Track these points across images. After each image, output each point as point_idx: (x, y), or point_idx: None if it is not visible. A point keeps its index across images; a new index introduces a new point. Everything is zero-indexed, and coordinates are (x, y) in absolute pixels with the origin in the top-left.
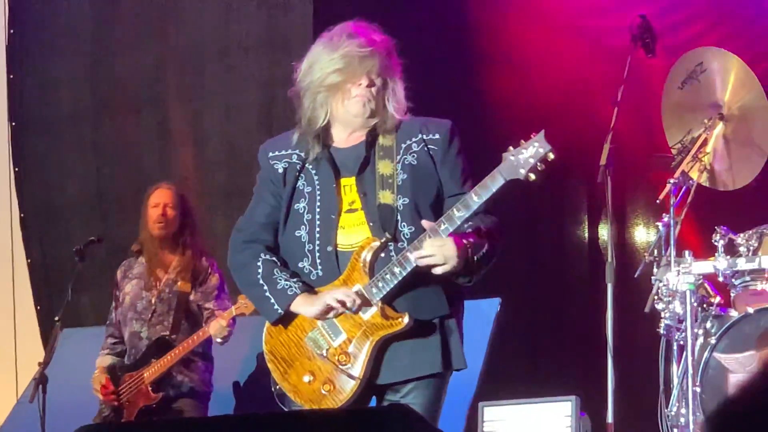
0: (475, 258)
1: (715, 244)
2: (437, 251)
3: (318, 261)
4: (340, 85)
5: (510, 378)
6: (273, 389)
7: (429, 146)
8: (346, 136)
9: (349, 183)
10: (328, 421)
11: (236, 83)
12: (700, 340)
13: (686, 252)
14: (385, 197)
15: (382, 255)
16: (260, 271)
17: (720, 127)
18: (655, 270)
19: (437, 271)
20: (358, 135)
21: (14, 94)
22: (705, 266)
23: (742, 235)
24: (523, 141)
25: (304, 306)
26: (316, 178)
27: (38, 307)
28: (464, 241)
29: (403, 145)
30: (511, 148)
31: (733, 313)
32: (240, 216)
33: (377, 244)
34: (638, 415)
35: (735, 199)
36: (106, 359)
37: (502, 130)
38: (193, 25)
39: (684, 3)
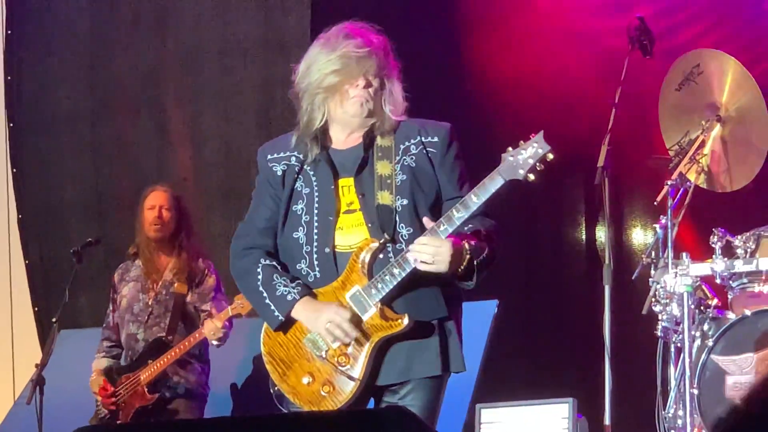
0: (476, 262)
1: (713, 246)
2: (430, 249)
3: (316, 262)
4: (338, 86)
5: (507, 380)
6: (271, 390)
7: (428, 149)
8: (344, 138)
9: (347, 184)
10: (326, 423)
11: (234, 84)
12: (698, 342)
13: (684, 254)
14: (384, 198)
15: (381, 256)
16: (260, 277)
17: (717, 129)
18: (652, 272)
19: (422, 267)
20: (356, 136)
21: (12, 95)
22: (702, 268)
23: (739, 237)
24: (522, 142)
25: (304, 313)
26: (314, 179)
27: (36, 308)
28: (465, 245)
29: (402, 147)
30: (510, 148)
31: (731, 316)
32: (238, 217)
33: (376, 245)
34: (636, 418)
35: (733, 201)
36: (102, 362)
37: (501, 131)
38: (192, 27)
39: (682, 5)
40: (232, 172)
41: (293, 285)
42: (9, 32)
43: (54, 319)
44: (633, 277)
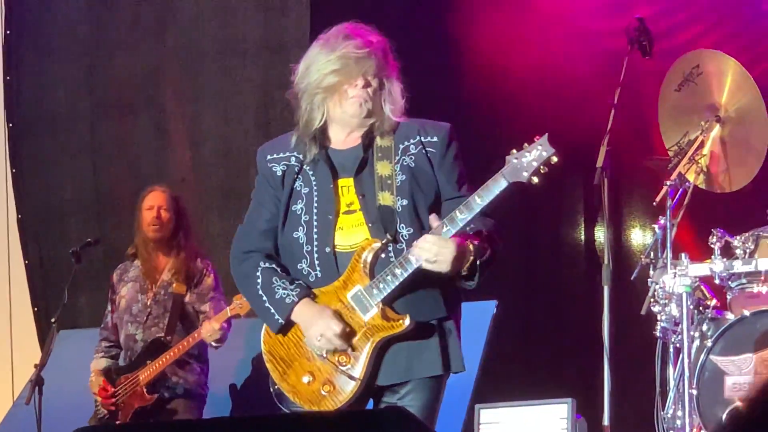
0: (478, 262)
1: (712, 246)
2: (433, 249)
3: (317, 262)
4: (337, 86)
5: (506, 380)
6: (271, 389)
7: (427, 149)
8: (343, 138)
9: (346, 184)
10: (325, 423)
11: (233, 85)
12: (697, 342)
13: (683, 254)
14: (385, 198)
15: (382, 256)
16: (259, 281)
17: (717, 130)
18: (651, 272)
19: (426, 266)
20: (356, 136)
21: (11, 95)
22: (701, 269)
23: (738, 237)
24: (526, 144)
25: (301, 318)
26: (313, 179)
27: (36, 309)
28: (469, 245)
29: (401, 147)
30: (514, 151)
31: (730, 316)
32: (237, 217)
33: (378, 245)
34: (635, 418)
35: (732, 201)
36: (100, 362)
37: (500, 132)
38: (191, 27)
39: (681, 6)
40: (231, 172)
41: (292, 287)
42: (8, 32)
43: (53, 320)
44: (632, 278)
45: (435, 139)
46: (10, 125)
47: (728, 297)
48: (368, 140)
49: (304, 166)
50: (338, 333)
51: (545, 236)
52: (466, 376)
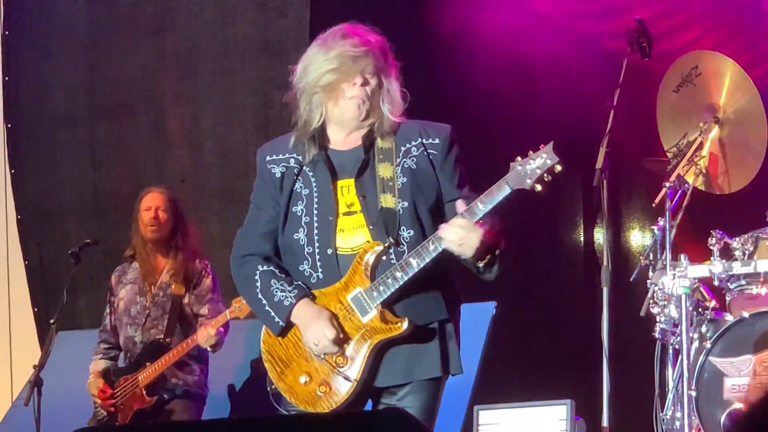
0: (497, 252)
1: (711, 247)
2: (461, 233)
3: (318, 264)
4: (335, 85)
5: (505, 381)
6: (269, 388)
7: (428, 150)
8: (342, 138)
9: (347, 185)
10: (324, 425)
11: (232, 86)
12: (696, 344)
13: (682, 256)
14: (387, 201)
15: (383, 258)
16: (258, 285)
17: (715, 131)
18: (650, 274)
19: (449, 247)
20: (355, 137)
21: (9, 96)
22: (700, 270)
23: (737, 238)
24: (531, 152)
25: (298, 320)
26: (313, 180)
27: (35, 309)
28: (493, 235)
29: (403, 149)
30: (518, 158)
31: (729, 317)
32: (236, 218)
33: (381, 248)
34: (633, 419)
35: (731, 202)
36: (99, 364)
37: (500, 133)
38: (189, 28)
39: (680, 7)
40: (230, 172)
41: (290, 288)
42: (6, 33)
43: (52, 321)
44: (631, 279)
45: (437, 140)
46: (9, 126)
47: (727, 298)
48: (369, 141)
49: (304, 167)
50: (332, 339)
51: (544, 237)
52: (465, 378)
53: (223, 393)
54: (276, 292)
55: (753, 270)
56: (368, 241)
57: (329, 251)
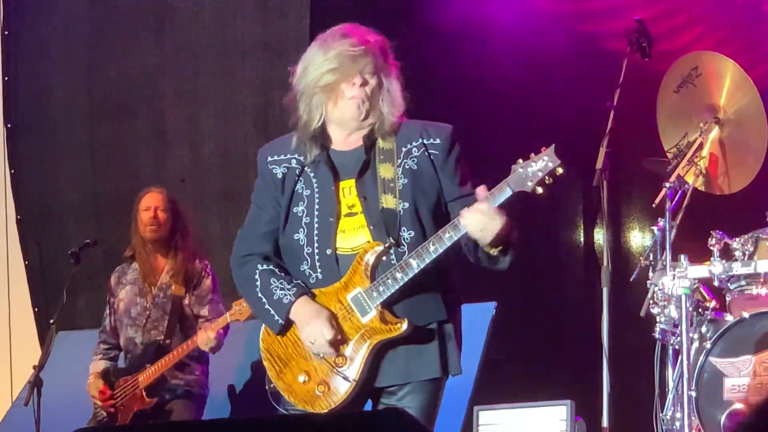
0: (510, 240)
1: (711, 248)
2: (483, 219)
3: (318, 264)
4: (335, 85)
5: (505, 382)
6: (267, 387)
7: (429, 151)
8: (343, 138)
9: (348, 186)
10: (325, 425)
11: (232, 86)
12: (696, 344)
13: (682, 256)
14: (388, 202)
15: (383, 259)
16: (258, 284)
17: (716, 132)
18: (650, 274)
19: (472, 233)
20: (357, 137)
21: (9, 96)
22: (700, 270)
23: (737, 239)
24: (533, 154)
25: (297, 318)
26: (314, 181)
27: (35, 309)
28: (508, 226)
29: (404, 149)
30: (520, 160)
31: (729, 318)
32: (235, 218)
33: (381, 248)
34: (634, 420)
35: (731, 203)
36: (99, 364)
37: (500, 133)
38: (189, 28)
39: (680, 8)
40: (230, 173)
41: (290, 287)
42: (6, 33)
43: (52, 321)
44: (631, 280)
45: (437, 141)
46: (9, 126)
47: (727, 299)
48: (370, 142)
49: (305, 168)
50: (329, 340)
51: (544, 238)
52: (465, 378)
53: (223, 394)
54: (275, 290)
55: (753, 270)
56: (368, 242)
57: (328, 251)
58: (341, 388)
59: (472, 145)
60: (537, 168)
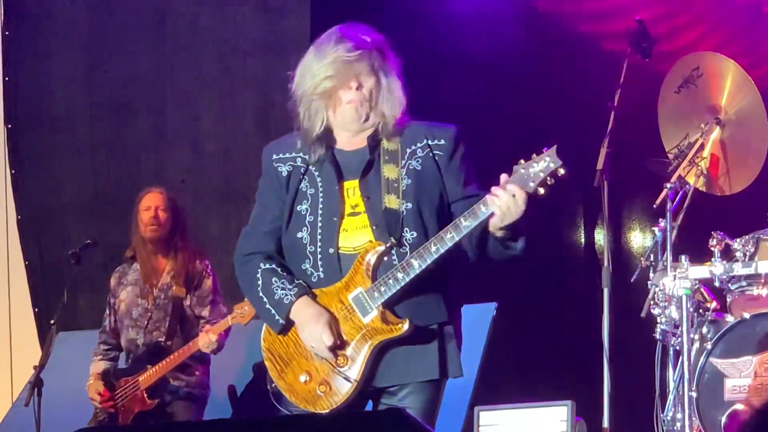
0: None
1: (712, 249)
2: (512, 199)
3: (320, 263)
4: (332, 92)
5: (506, 382)
6: (269, 387)
7: (434, 152)
8: (348, 139)
9: (352, 186)
10: (326, 425)
11: (233, 86)
12: (697, 345)
13: (682, 257)
14: (391, 202)
15: (385, 259)
16: (260, 283)
17: (717, 132)
18: (651, 275)
19: (496, 211)
20: (361, 137)
21: (10, 95)
22: (701, 271)
23: (738, 240)
24: (534, 155)
25: (297, 318)
26: (319, 179)
27: (36, 310)
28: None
29: (408, 150)
30: (522, 161)
31: (730, 318)
32: (236, 218)
33: (382, 248)
34: (634, 420)
35: (732, 204)
36: (99, 365)
37: (500, 133)
38: (190, 28)
39: (681, 8)
40: (230, 173)
41: (291, 286)
42: (7, 33)
43: (52, 321)
44: (632, 280)
45: (442, 141)
46: (10, 126)
47: (728, 299)
48: (374, 142)
49: (310, 167)
50: (329, 346)
51: (545, 238)
52: (465, 378)
53: (224, 394)
54: (276, 290)
55: (754, 271)
56: (371, 241)
57: (331, 250)
58: (343, 388)
59: (471, 145)
60: (539, 168)
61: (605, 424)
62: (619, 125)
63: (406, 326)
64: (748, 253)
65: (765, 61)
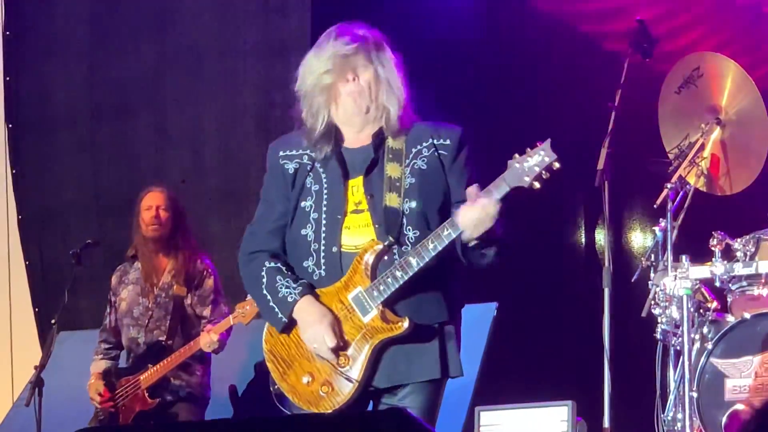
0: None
1: (712, 249)
2: (482, 212)
3: (322, 261)
4: (332, 86)
5: (506, 382)
6: (272, 389)
7: (439, 151)
8: (354, 136)
9: (356, 183)
10: (327, 425)
11: (234, 86)
12: (697, 345)
13: (683, 257)
14: (392, 200)
15: (386, 258)
16: (264, 281)
17: (717, 132)
18: (652, 275)
19: (465, 226)
20: (366, 134)
21: (11, 95)
22: (702, 271)
23: (739, 240)
24: (528, 149)
25: (300, 317)
26: (324, 177)
27: (36, 309)
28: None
29: (414, 150)
30: (516, 155)
31: (730, 318)
32: (237, 218)
33: (380, 247)
34: (635, 420)
35: (732, 204)
36: (100, 364)
37: (501, 134)
38: (191, 28)
39: (682, 8)
40: (231, 173)
41: (295, 285)
42: (8, 33)
43: (53, 321)
44: (632, 280)
45: (447, 141)
46: (10, 126)
47: (729, 299)
48: (379, 140)
49: (316, 164)
50: (331, 347)
51: (546, 238)
52: (466, 378)
53: (225, 394)
54: (281, 288)
55: (754, 271)
56: (372, 240)
57: (334, 249)
58: (345, 389)
59: (472, 146)
60: (533, 163)
61: (606, 424)
62: (619, 125)
63: (406, 324)
64: (748, 253)
65: (765, 61)
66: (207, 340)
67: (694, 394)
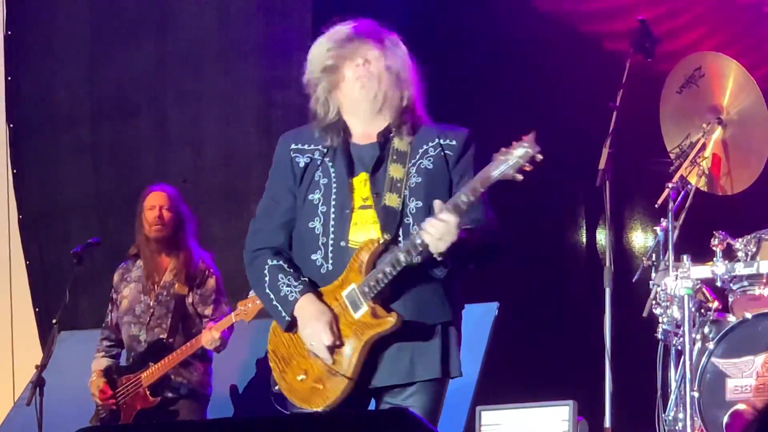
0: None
1: (714, 248)
2: (446, 228)
3: (330, 255)
4: (337, 68)
5: (508, 382)
6: (272, 389)
7: (445, 151)
8: (362, 131)
9: (363, 179)
10: (329, 424)
11: (234, 86)
12: (698, 345)
13: (684, 257)
14: (391, 200)
15: (383, 256)
16: (267, 280)
17: (718, 132)
18: (653, 275)
19: (426, 239)
20: (373, 130)
21: (12, 95)
22: (703, 271)
23: (740, 239)
24: (514, 142)
25: (302, 312)
26: (332, 171)
27: (37, 309)
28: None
29: (420, 150)
30: (502, 149)
31: (731, 318)
32: (238, 218)
33: (375, 245)
34: (636, 420)
35: (733, 203)
36: (102, 362)
37: (501, 133)
38: (192, 28)
39: (683, 8)
40: (232, 173)
41: (296, 283)
42: (9, 33)
43: (54, 321)
44: (633, 280)
45: (454, 142)
46: (11, 126)
47: (730, 299)
48: (385, 139)
49: (325, 159)
50: (328, 345)
51: (547, 238)
52: (467, 378)
53: (226, 393)
54: (282, 286)
55: (756, 271)
56: (369, 239)
57: (342, 243)
58: (337, 386)
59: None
60: (517, 155)
61: (607, 423)
62: (620, 125)
63: (393, 319)
64: (750, 253)
65: (767, 60)
66: (209, 337)
67: (696, 394)
